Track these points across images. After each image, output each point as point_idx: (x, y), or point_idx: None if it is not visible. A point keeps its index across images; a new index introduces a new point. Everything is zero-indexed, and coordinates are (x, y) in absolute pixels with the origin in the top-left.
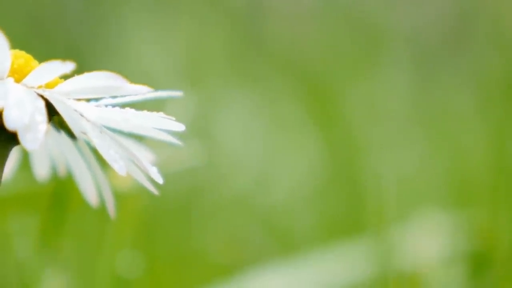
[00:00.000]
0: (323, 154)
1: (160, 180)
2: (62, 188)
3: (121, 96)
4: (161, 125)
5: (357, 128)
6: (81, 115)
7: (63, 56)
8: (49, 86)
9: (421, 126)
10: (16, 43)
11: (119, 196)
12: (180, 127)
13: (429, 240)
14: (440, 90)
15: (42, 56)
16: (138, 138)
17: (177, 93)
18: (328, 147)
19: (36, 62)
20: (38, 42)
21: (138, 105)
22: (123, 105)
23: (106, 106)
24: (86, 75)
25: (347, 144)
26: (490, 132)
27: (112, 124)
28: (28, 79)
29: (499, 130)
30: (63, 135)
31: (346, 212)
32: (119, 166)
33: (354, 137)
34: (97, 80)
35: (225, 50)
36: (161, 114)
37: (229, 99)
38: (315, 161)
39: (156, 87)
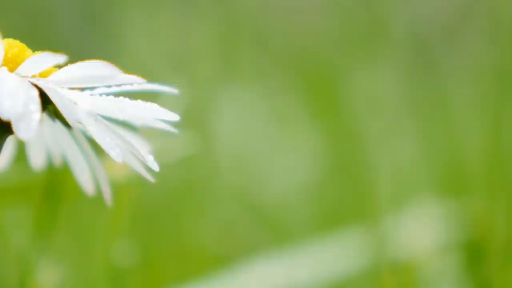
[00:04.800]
0: (320, 147)
1: (156, 168)
2: (57, 179)
3: (116, 85)
4: (156, 114)
5: (355, 119)
6: (75, 104)
7: (59, 47)
8: (43, 75)
9: (418, 117)
10: (10, 33)
11: (114, 186)
12: (174, 117)
13: (424, 230)
14: (438, 82)
15: (36, 46)
16: (132, 128)
17: (173, 89)
18: (325, 140)
19: (30, 51)
20: (33, 32)
21: (132, 96)
22: (117, 95)
23: (101, 95)
24: (79, 64)
25: (345, 136)
26: (485, 123)
27: (107, 113)
28: (22, 69)
29: (495, 121)
30: (58, 125)
31: (343, 204)
32: (115, 153)
33: (352, 128)
34: (91, 69)
35: (223, 42)
36: (155, 104)
37: (227, 92)
38: (312, 154)
39: (152, 79)
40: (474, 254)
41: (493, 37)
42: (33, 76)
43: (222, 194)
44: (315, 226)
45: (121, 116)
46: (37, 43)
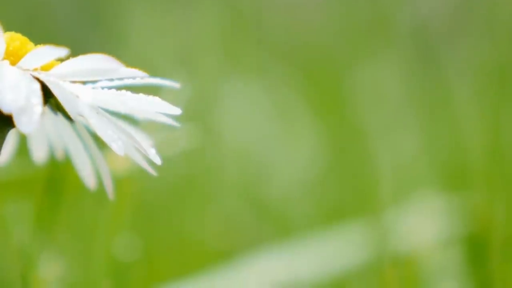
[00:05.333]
0: (322, 141)
1: (158, 162)
2: (58, 172)
3: (118, 79)
4: (158, 108)
5: (357, 114)
6: (77, 97)
7: (60, 40)
8: (45, 68)
9: (419, 112)
10: (11, 26)
11: (116, 180)
12: (176, 110)
13: (425, 223)
14: (439, 77)
15: (38, 40)
16: (134, 122)
17: (175, 83)
18: (327, 134)
19: (32, 45)
20: (34, 26)
21: (134, 89)
22: (119, 89)
23: (103, 88)
24: (81, 58)
25: (347, 130)
26: (485, 118)
27: (108, 106)
28: (24, 62)
29: (494, 116)
30: (60, 118)
31: (345, 198)
32: (117, 146)
33: (354, 123)
34: (93, 62)
35: (225, 36)
36: (157, 98)
37: (229, 86)
38: (314, 148)
39: (154, 73)
40: (475, 248)
41: (493, 33)
42: (35, 70)
43: (224, 188)
44: (317, 220)
45: (122, 110)
46: (38, 37)
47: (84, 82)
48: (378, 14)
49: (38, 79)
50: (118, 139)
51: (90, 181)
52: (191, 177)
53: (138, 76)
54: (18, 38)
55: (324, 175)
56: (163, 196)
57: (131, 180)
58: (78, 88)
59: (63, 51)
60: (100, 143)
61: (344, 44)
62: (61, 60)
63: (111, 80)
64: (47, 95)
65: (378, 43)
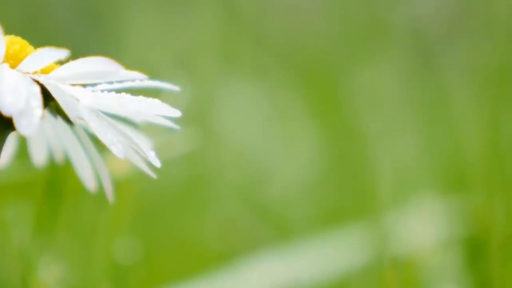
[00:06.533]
0: (321, 143)
1: (158, 164)
2: (58, 175)
3: (117, 82)
4: (158, 110)
5: (356, 116)
6: (77, 100)
7: (60, 44)
8: (45, 71)
9: (418, 114)
10: (11, 29)
11: (115, 183)
12: (176, 113)
13: (425, 226)
14: (438, 79)
15: (37, 43)
16: (133, 124)
17: (174, 86)
18: (327, 136)
19: (31, 48)
20: (33, 29)
21: (134, 92)
22: (119, 91)
23: (102, 91)
24: (81, 61)
25: (346, 133)
26: (485, 120)
27: (108, 109)
28: (24, 65)
29: (494, 117)
30: (60, 121)
31: (344, 201)
32: (117, 149)
33: (353, 125)
34: (92, 65)
35: (224, 39)
36: (157, 100)
37: (227, 89)
38: (313, 150)
39: (154, 75)
40: (474, 250)
41: (491, 34)
42: (35, 73)
43: (224, 190)
44: (316, 223)
45: (122, 112)
46: (38, 38)
47: (84, 85)
48: (376, 16)
49: (38, 82)
50: (118, 142)
51: (90, 184)
52: (191, 179)
53: (138, 79)
54: (18, 41)
55: (324, 177)
56: (163, 198)
57: (131, 182)
58: (78, 91)
59: (63, 53)
60: (100, 146)
61: (342, 46)
62: (61, 62)
63: (111, 82)
64: (47, 98)
65: (376, 45)
